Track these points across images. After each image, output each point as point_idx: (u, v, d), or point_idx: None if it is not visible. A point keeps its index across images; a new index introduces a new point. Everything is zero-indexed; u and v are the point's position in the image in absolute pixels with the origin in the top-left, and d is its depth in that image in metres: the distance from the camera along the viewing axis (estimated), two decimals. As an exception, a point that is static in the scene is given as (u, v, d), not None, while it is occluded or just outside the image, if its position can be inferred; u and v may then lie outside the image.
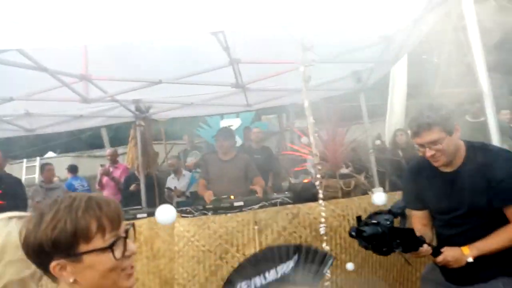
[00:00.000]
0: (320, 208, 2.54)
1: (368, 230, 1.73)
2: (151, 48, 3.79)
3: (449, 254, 1.84)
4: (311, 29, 3.00)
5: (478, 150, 1.92)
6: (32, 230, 0.99)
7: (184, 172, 6.70)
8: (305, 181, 3.31)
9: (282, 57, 4.12)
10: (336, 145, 3.04)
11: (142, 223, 2.62)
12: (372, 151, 5.44)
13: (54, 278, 1.03)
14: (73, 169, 7.59)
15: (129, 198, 5.82)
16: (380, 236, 1.72)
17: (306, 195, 3.12)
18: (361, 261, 2.75)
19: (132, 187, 5.88)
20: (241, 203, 3.18)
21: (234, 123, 9.11)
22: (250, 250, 2.50)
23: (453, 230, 1.98)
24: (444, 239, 2.03)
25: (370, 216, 1.83)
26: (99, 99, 4.46)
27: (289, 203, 3.01)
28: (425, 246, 1.86)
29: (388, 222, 1.73)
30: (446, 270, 1.99)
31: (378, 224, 1.73)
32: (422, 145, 1.89)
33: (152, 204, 5.12)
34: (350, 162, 3.26)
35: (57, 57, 3.62)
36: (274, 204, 3.08)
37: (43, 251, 0.98)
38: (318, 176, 2.58)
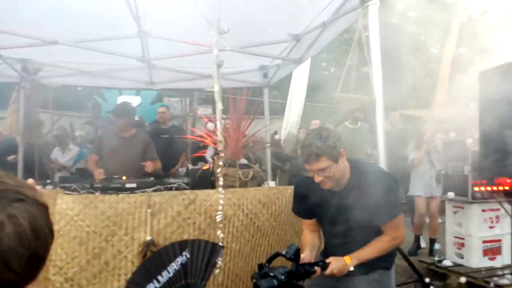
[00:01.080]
0: (219, 196, 2.52)
1: (263, 284, 1.86)
2: (50, 3, 3.40)
3: (335, 266, 2.05)
4: (225, 14, 2.95)
5: (361, 172, 2.14)
6: None
7: (71, 146, 6.15)
8: (205, 168, 3.26)
9: (194, 38, 4.01)
10: (239, 135, 3.04)
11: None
12: (269, 145, 5.63)
13: None
14: None
15: (3, 168, 5.16)
16: None
17: (204, 182, 3.07)
18: (250, 250, 2.80)
19: (11, 158, 5.22)
20: (134, 185, 3.01)
21: (133, 100, 8.63)
22: (140, 234, 2.37)
23: (338, 240, 2.25)
24: (330, 247, 2.33)
25: (269, 262, 1.96)
26: (-22, 50, 3.86)
27: (185, 189, 2.93)
28: (316, 268, 2.05)
29: (283, 277, 1.87)
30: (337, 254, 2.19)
31: (274, 277, 1.87)
32: (311, 171, 2.07)
33: (30, 178, 4.61)
34: (250, 154, 3.31)
35: None
36: (170, 189, 2.98)
37: None
38: (220, 163, 2.55)
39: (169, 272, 2.40)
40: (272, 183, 3.84)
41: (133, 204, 2.43)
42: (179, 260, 2.43)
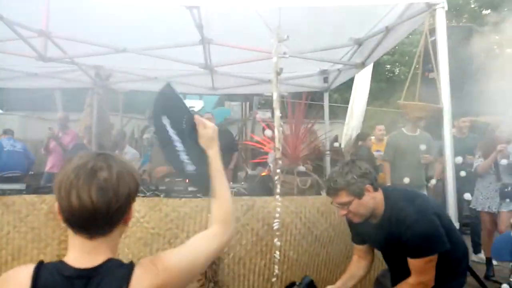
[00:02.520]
0: (276, 203, 2.53)
1: None
2: (120, 14, 3.61)
3: None
4: (285, 20, 2.96)
5: (394, 206, 2.09)
6: None
7: (127, 148, 6.39)
8: (263, 174, 3.29)
9: (255, 45, 4.07)
10: (298, 142, 3.04)
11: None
12: (329, 152, 5.54)
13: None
14: (8, 133, 7.13)
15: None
16: None
17: (262, 188, 3.10)
18: (307, 259, 2.78)
19: None
20: (196, 189, 3.11)
21: (196, 104, 8.96)
22: (200, 238, 2.45)
23: (389, 263, 2.31)
24: (388, 269, 2.36)
25: None
26: (58, 59, 4.19)
27: (244, 194, 2.98)
28: None
29: None
30: (395, 279, 2.17)
31: None
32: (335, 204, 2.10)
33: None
34: (309, 161, 3.29)
35: (16, 7, 3.35)
36: (229, 193, 3.04)
37: None
38: (278, 171, 2.56)
39: None
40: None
41: (194, 208, 2.51)
42: None
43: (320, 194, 3.16)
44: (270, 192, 3.04)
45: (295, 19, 3.18)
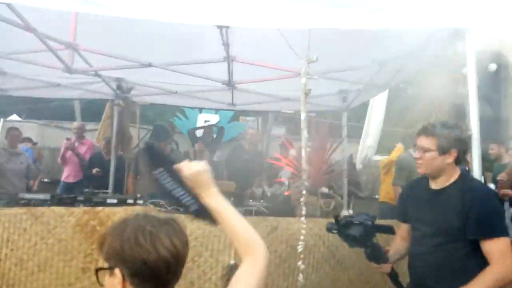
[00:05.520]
0: (301, 225, 2.50)
1: (354, 231, 2.00)
2: (145, 29, 3.65)
3: None
4: (312, 39, 2.97)
5: (468, 181, 2.05)
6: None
7: None
8: (286, 193, 3.26)
9: (276, 63, 4.08)
10: (322, 162, 3.01)
11: (116, 212, 2.48)
12: (346, 171, 5.48)
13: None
14: (26, 141, 7.21)
15: (91, 178, 5.57)
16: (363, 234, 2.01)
17: (284, 208, 3.08)
18: (329, 284, 2.74)
19: (94, 171, 5.53)
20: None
21: (212, 119, 8.98)
22: (224, 257, 2.43)
23: (421, 248, 2.05)
24: (412, 257, 2.14)
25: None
26: (83, 71, 4.25)
27: (265, 213, 2.95)
28: (384, 265, 2.10)
29: (369, 222, 2.02)
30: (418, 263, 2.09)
31: (360, 224, 2.00)
32: (417, 144, 2.08)
33: (119, 189, 4.92)
34: (333, 182, 3.26)
35: (46, 20, 3.41)
36: (249, 212, 3.02)
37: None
38: (304, 192, 2.54)
39: None
40: (346, 213, 3.73)
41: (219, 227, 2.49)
42: None
43: (341, 216, 3.12)
44: (291, 212, 3.02)
45: (321, 40, 3.19)
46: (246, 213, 2.94)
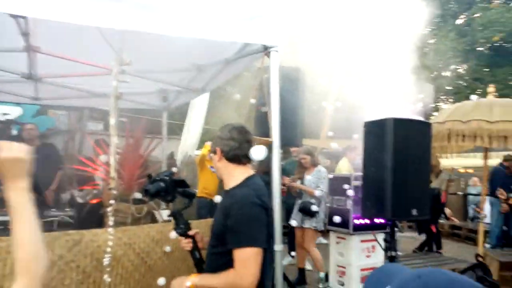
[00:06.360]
0: (108, 237, 2.36)
1: (152, 188, 2.12)
2: None
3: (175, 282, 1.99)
4: (127, 39, 2.85)
5: (231, 189, 2.00)
6: None
7: None
8: (93, 201, 3.04)
9: (89, 57, 3.77)
10: (135, 167, 2.91)
11: None
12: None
13: None
14: None
15: None
16: (164, 189, 2.13)
17: (91, 218, 2.86)
18: (139, 292, 2.66)
19: None
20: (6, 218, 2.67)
21: (12, 111, 7.73)
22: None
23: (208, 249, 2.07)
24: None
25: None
26: None
27: (70, 224, 2.70)
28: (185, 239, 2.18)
29: (167, 178, 2.16)
30: None
31: (160, 180, 2.14)
32: None
33: None
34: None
35: None
36: (51, 223, 2.71)
37: None
38: (112, 202, 2.39)
39: None
40: (164, 213, 3.71)
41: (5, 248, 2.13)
42: None
43: (155, 221, 3.09)
44: (101, 221, 2.83)
45: (140, 40, 3.07)
46: (47, 225, 2.63)
